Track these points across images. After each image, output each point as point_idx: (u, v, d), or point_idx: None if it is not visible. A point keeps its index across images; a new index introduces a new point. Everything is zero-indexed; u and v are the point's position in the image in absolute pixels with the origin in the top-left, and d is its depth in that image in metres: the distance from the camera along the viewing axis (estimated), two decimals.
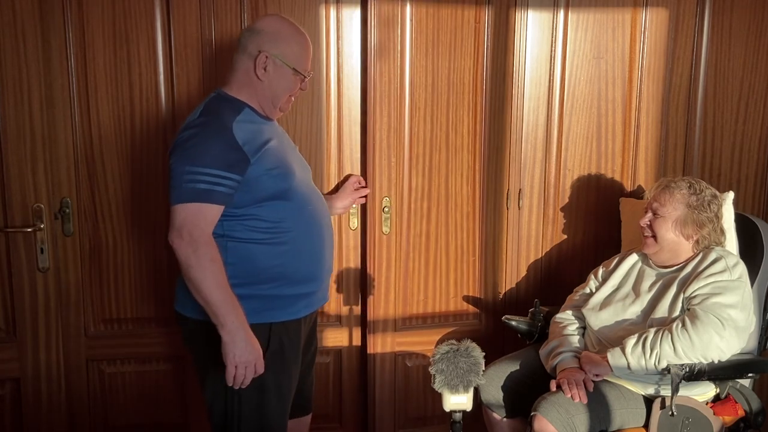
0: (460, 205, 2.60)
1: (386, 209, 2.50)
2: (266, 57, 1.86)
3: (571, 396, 2.00)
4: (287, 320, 1.92)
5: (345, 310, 2.59)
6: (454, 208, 2.59)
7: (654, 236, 2.17)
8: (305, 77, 1.94)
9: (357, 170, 2.50)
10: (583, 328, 2.31)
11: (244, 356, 1.77)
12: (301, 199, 1.91)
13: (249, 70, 1.88)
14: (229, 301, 1.76)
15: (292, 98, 1.97)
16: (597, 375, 2.06)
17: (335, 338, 2.60)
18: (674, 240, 2.16)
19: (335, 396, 2.66)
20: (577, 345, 2.23)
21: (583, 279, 2.45)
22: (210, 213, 1.77)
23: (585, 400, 2.01)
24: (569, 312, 2.34)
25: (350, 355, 2.63)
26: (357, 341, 2.63)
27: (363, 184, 2.47)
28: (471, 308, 2.69)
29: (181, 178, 1.75)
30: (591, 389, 2.03)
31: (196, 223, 1.74)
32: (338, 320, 2.60)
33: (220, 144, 1.77)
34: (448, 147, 2.55)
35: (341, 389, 2.66)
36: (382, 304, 2.57)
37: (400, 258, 2.57)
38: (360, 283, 2.58)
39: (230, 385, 1.79)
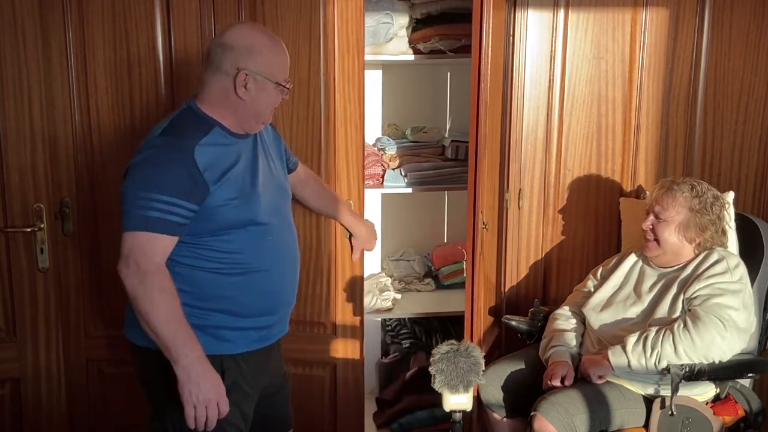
0: None
1: None
2: (246, 75, 1.73)
3: (561, 384, 2.06)
4: (237, 353, 1.79)
5: (342, 319, 2.54)
6: None
7: (656, 240, 2.17)
8: (287, 88, 1.83)
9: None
10: (582, 324, 2.31)
11: (202, 394, 1.63)
12: (262, 230, 1.78)
13: (227, 90, 1.74)
14: (182, 333, 1.62)
15: (274, 109, 1.87)
16: (600, 377, 2.06)
17: (334, 350, 2.56)
18: (677, 243, 2.16)
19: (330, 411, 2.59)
20: (571, 341, 2.24)
21: (583, 279, 2.45)
22: (161, 243, 1.64)
23: (569, 382, 2.08)
24: (566, 308, 2.35)
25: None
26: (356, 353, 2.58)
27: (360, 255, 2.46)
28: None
29: (132, 203, 1.62)
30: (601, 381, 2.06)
31: (144, 252, 1.61)
32: (333, 331, 2.54)
33: (177, 168, 1.63)
34: None
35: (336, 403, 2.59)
36: None
37: None
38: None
39: (192, 428, 1.66)
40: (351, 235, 2.41)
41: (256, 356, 1.84)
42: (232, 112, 1.76)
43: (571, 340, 2.25)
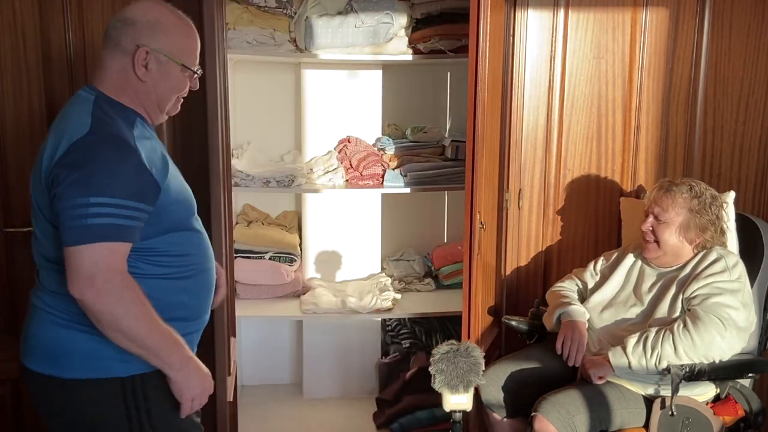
0: None
1: None
2: (146, 52, 1.54)
3: (567, 356, 2.14)
4: None
5: None
6: None
7: (656, 241, 2.17)
8: (195, 73, 1.64)
9: None
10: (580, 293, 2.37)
11: (200, 386, 1.58)
12: (198, 226, 1.68)
13: (126, 69, 1.55)
14: (168, 337, 1.52)
15: (181, 100, 1.67)
16: (601, 378, 2.06)
17: None
18: (677, 244, 2.15)
19: None
20: (579, 300, 2.31)
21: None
22: (123, 252, 1.47)
23: (577, 363, 2.14)
24: (567, 282, 2.40)
25: None
26: None
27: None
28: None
29: (83, 211, 1.41)
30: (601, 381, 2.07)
31: (112, 266, 1.44)
32: None
33: (126, 167, 1.46)
34: None
35: None
36: None
37: None
38: None
39: (183, 417, 1.59)
40: None
41: None
42: (136, 98, 1.58)
43: (578, 299, 2.31)
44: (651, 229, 2.17)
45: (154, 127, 1.66)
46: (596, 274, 2.37)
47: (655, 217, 2.17)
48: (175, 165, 1.66)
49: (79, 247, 1.42)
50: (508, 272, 2.71)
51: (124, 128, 1.51)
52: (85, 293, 1.42)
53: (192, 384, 1.57)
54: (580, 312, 2.25)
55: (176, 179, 1.61)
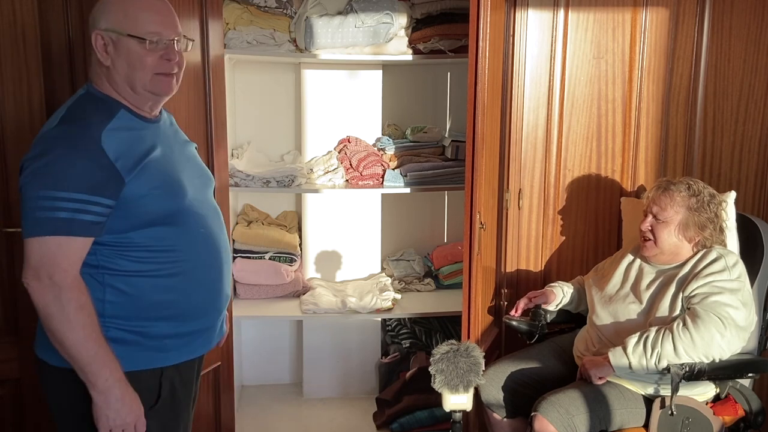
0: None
1: None
2: (100, 36, 1.51)
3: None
4: (180, 362, 1.64)
5: None
6: None
7: (655, 240, 2.17)
8: (155, 42, 1.54)
9: None
10: (578, 291, 2.43)
11: (120, 418, 1.49)
12: (192, 221, 1.60)
13: (97, 60, 1.54)
14: (101, 354, 1.46)
15: (167, 78, 1.58)
16: (601, 378, 2.06)
17: None
18: (676, 243, 2.16)
19: None
20: (572, 304, 2.43)
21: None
22: (75, 248, 1.45)
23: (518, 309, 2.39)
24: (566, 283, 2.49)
25: None
26: None
27: None
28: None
29: (34, 204, 1.43)
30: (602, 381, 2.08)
31: (57, 262, 1.43)
32: None
33: (84, 160, 1.43)
34: None
35: None
36: None
37: None
38: None
39: None
40: None
41: (194, 363, 1.72)
42: (114, 87, 1.55)
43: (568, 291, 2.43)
44: (650, 228, 2.18)
45: (157, 116, 1.63)
46: (596, 279, 2.37)
47: (654, 216, 2.17)
48: (184, 157, 1.66)
49: (28, 240, 1.44)
50: (508, 272, 2.71)
51: (96, 121, 1.49)
52: (29, 284, 1.45)
53: (111, 412, 1.48)
54: (555, 287, 2.42)
55: (163, 171, 1.56)
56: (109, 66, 1.53)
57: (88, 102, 1.54)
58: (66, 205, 1.42)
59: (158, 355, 1.59)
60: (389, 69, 3.26)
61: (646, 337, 2.03)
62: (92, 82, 1.58)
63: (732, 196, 2.31)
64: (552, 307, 2.41)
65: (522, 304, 2.41)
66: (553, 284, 2.46)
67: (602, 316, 2.23)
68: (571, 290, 2.43)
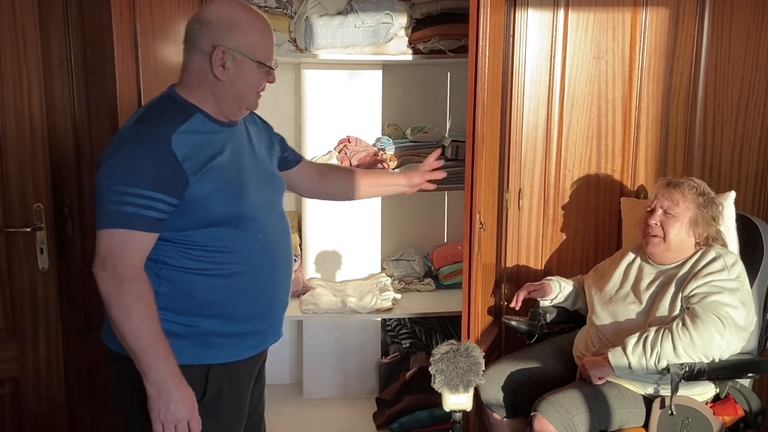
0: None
1: None
2: (223, 52, 1.58)
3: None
4: (228, 362, 1.66)
5: None
6: None
7: (663, 236, 2.17)
8: (272, 69, 1.67)
9: None
10: (576, 289, 2.44)
11: (172, 413, 1.51)
12: (252, 226, 1.64)
13: (204, 69, 1.60)
14: (156, 346, 1.50)
15: (260, 94, 1.71)
16: (600, 378, 2.07)
17: None
18: (684, 239, 2.16)
19: None
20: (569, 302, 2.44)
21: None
22: (140, 241, 1.51)
23: (518, 300, 2.40)
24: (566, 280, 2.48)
25: None
26: None
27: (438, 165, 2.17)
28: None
29: (106, 198, 1.50)
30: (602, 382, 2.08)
31: (122, 253, 1.49)
32: None
33: (153, 159, 1.50)
34: None
35: None
36: None
37: None
38: None
39: None
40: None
41: (246, 364, 1.72)
42: (211, 96, 1.62)
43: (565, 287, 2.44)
44: (658, 223, 2.17)
45: (227, 123, 1.66)
46: (595, 280, 2.37)
47: (665, 212, 2.17)
48: (256, 161, 1.72)
49: (99, 231, 1.51)
50: (508, 272, 2.71)
51: (169, 122, 1.55)
52: (97, 273, 1.50)
53: (163, 406, 1.51)
54: (552, 281, 2.43)
55: (226, 175, 1.60)
56: (223, 80, 1.60)
57: (166, 104, 1.61)
58: (133, 200, 1.48)
59: (203, 351, 1.62)
60: (389, 69, 3.26)
61: (646, 337, 2.03)
62: (175, 85, 1.65)
63: (732, 196, 2.31)
64: (548, 302, 2.41)
65: (521, 295, 2.42)
66: (551, 278, 2.46)
67: (602, 316, 2.23)
68: (569, 286, 2.43)
